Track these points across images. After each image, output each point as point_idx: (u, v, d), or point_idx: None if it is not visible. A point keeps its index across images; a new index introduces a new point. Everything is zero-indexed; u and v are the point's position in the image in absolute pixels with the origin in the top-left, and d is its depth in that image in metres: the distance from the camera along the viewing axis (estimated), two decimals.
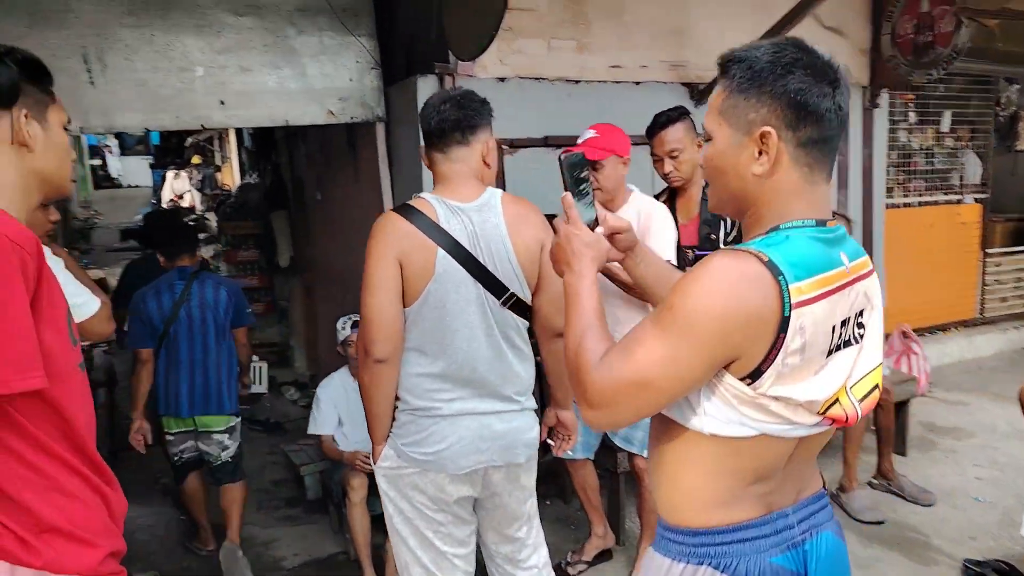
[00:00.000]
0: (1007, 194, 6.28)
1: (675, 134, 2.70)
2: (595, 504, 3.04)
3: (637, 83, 3.97)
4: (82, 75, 3.11)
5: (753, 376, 1.02)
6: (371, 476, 2.91)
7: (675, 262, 2.59)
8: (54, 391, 1.10)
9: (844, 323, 1.10)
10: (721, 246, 2.63)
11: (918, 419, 4.39)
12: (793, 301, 1.00)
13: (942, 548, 3.12)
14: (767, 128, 1.06)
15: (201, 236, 9.02)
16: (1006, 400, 4.56)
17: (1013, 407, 3.55)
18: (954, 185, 5.93)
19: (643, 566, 1.24)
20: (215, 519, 3.40)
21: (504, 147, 3.56)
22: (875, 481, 3.67)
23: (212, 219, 9.41)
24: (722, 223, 2.69)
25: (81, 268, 2.06)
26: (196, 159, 12.65)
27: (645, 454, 2.72)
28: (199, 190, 12.45)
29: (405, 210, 1.83)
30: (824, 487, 1.28)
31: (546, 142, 3.69)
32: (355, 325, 3.22)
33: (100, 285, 8.17)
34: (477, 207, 1.85)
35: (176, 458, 3.31)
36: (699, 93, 4.04)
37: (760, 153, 1.08)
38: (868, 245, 5.02)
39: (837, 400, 1.09)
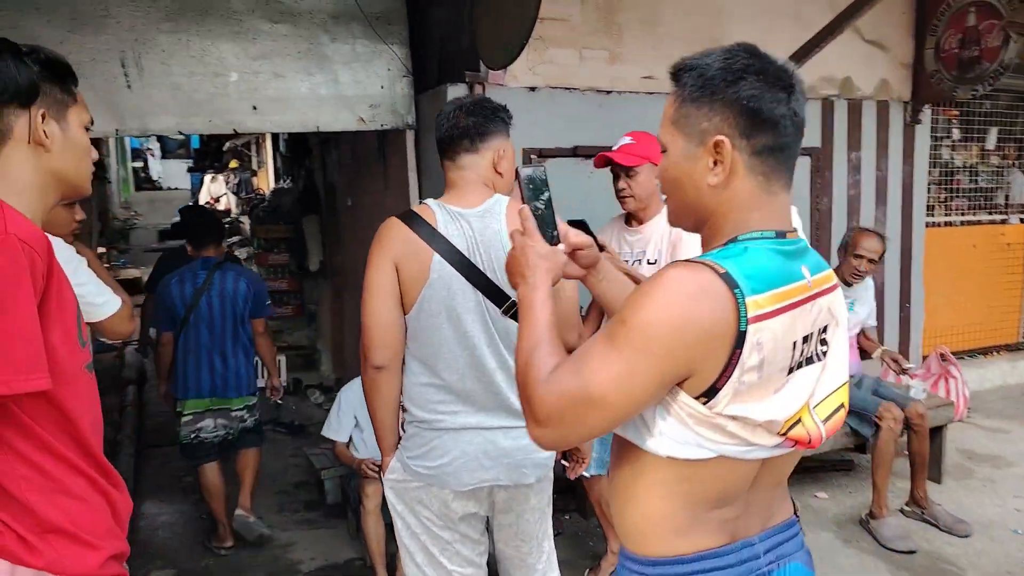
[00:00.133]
0: None
1: None
2: (611, 521, 2.98)
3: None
4: (119, 79, 3.18)
5: (708, 394, 0.97)
6: None
7: None
8: (60, 392, 1.09)
9: (806, 339, 1.05)
10: None
11: (955, 445, 4.24)
12: (750, 315, 0.95)
13: None
14: (720, 137, 1.03)
15: (235, 239, 9.18)
16: None
17: None
18: (999, 204, 5.75)
19: None
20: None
21: (532, 157, 3.54)
22: (907, 508, 3.54)
23: (246, 222, 9.55)
24: None
25: (104, 267, 2.08)
26: (233, 163, 12.89)
27: None
28: (235, 193, 12.67)
29: (406, 215, 1.80)
30: (796, 514, 1.22)
31: (575, 152, 3.66)
32: None
33: (135, 285, 8.37)
34: (479, 213, 1.80)
35: (194, 437, 3.42)
36: None
37: (715, 163, 1.05)
38: (907, 264, 4.90)
39: (799, 420, 1.04)
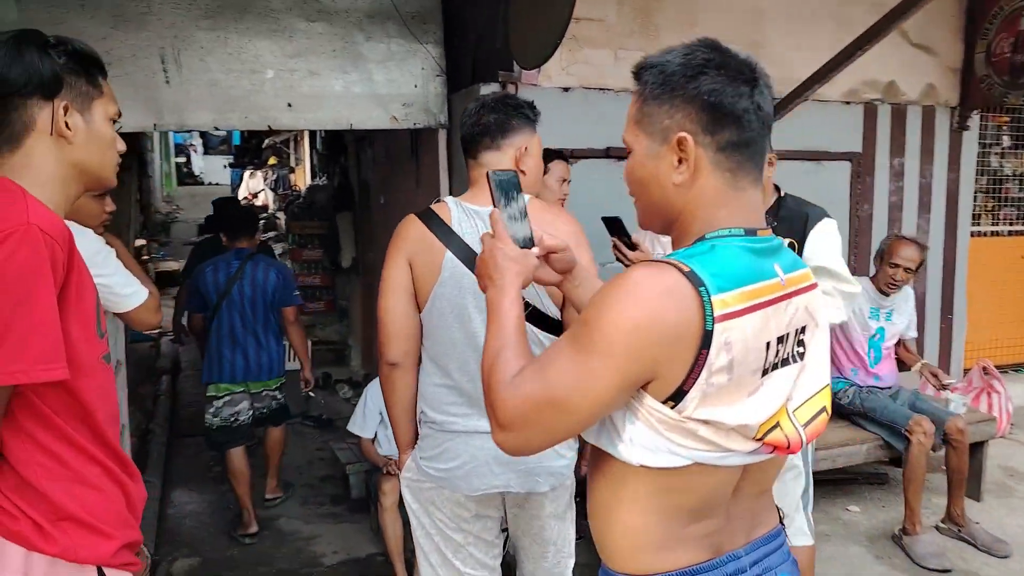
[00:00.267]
0: None
1: None
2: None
3: None
4: (159, 74, 3.24)
5: (676, 398, 0.94)
6: None
7: None
8: (77, 383, 1.11)
9: (781, 340, 1.01)
10: None
11: (996, 462, 4.09)
12: (716, 314, 0.92)
13: None
14: (683, 134, 1.01)
15: (271, 234, 9.32)
16: None
17: None
18: None
19: None
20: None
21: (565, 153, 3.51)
22: (943, 525, 3.43)
23: (282, 218, 9.70)
24: None
25: (132, 258, 2.12)
26: (272, 160, 13.09)
27: None
28: (273, 190, 12.87)
29: (424, 213, 1.79)
30: (781, 522, 1.17)
31: (608, 153, 3.63)
32: None
33: (173, 277, 8.54)
34: None
35: (232, 419, 3.60)
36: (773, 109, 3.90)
37: (680, 161, 1.02)
38: (949, 274, 4.75)
39: (777, 425, 1.00)
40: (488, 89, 3.39)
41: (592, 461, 1.08)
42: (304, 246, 7.21)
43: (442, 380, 1.79)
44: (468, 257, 1.72)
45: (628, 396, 0.96)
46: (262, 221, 8.97)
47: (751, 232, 1.02)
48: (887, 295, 3.56)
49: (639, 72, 1.06)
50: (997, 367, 4.50)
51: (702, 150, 1.01)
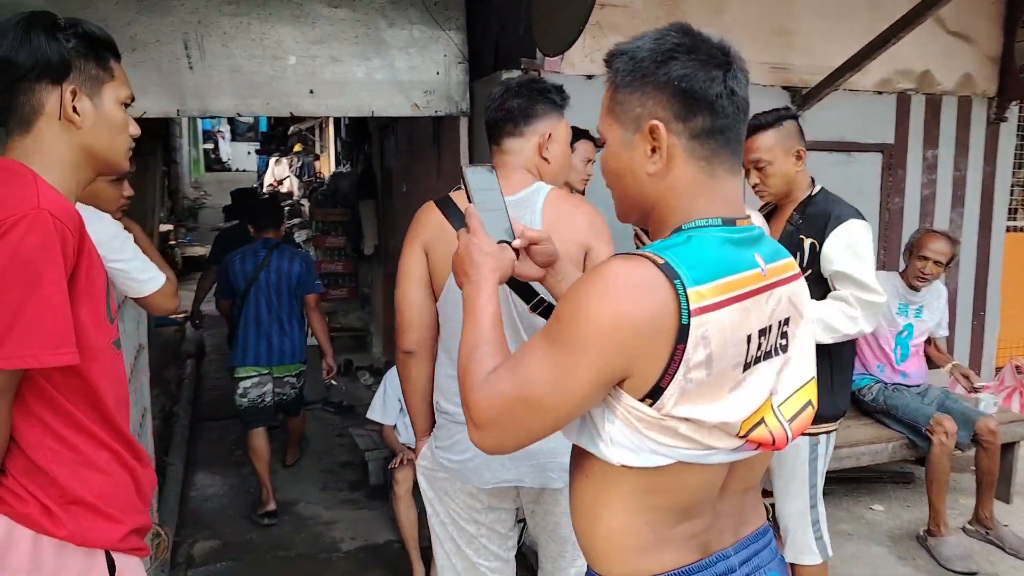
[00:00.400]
0: None
1: (762, 142, 2.32)
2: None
3: None
4: (182, 60, 3.25)
5: (653, 395, 0.91)
6: None
7: None
8: (87, 367, 1.11)
9: (763, 332, 0.97)
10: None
11: None
12: (692, 307, 0.89)
13: None
14: (655, 122, 0.97)
15: (295, 220, 9.38)
16: None
17: None
18: None
19: None
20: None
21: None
22: (971, 527, 3.35)
23: (306, 205, 9.76)
24: (798, 252, 2.32)
25: (151, 243, 2.13)
26: (298, 147, 13.16)
27: None
28: (298, 177, 12.95)
29: (442, 200, 1.76)
30: (769, 519, 1.14)
31: None
32: None
33: (199, 262, 8.63)
34: (513, 201, 1.68)
35: (259, 400, 3.80)
36: (802, 98, 3.81)
37: (653, 150, 0.99)
38: (983, 269, 4.63)
39: (762, 420, 0.97)
40: (510, 76, 3.35)
41: (574, 460, 1.06)
42: (327, 233, 7.25)
43: (455, 371, 1.75)
44: None
45: (604, 393, 0.94)
46: (287, 208, 9.02)
47: (729, 222, 0.99)
48: (917, 290, 3.47)
49: (610, 59, 1.03)
50: None
51: (675, 138, 0.98)
